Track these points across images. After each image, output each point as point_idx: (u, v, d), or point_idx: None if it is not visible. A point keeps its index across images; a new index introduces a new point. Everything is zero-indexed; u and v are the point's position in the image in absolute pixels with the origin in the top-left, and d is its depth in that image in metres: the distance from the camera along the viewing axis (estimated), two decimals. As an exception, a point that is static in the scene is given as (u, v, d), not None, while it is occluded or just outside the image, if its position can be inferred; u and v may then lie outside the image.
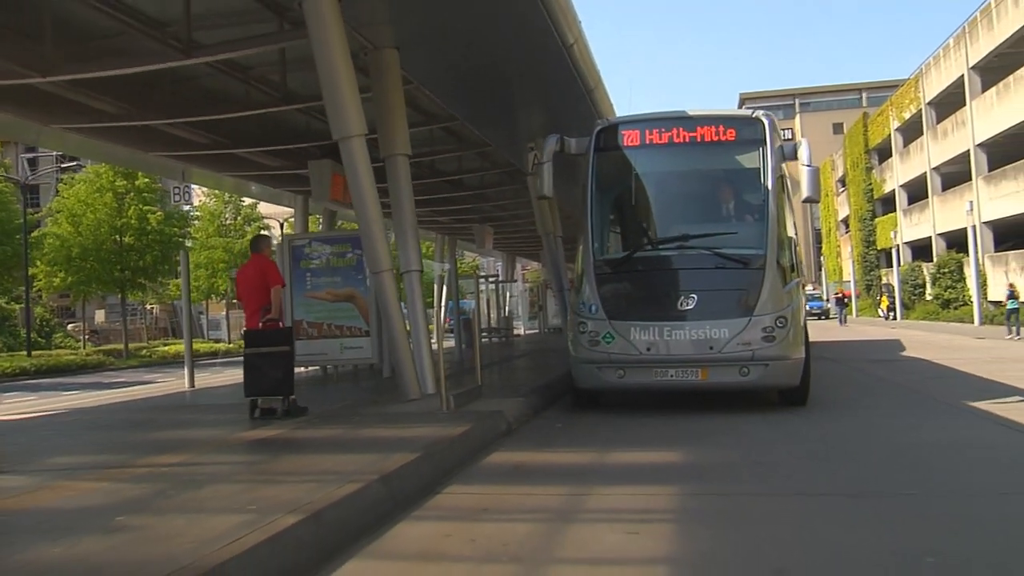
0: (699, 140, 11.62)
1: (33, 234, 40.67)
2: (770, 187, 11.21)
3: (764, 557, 4.97)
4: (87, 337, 53.51)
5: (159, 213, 40.23)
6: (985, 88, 43.11)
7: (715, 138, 11.61)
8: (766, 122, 11.52)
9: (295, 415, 10.33)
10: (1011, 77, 39.51)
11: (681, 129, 11.67)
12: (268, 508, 5.26)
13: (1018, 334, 29.80)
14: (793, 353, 10.78)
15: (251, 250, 11.23)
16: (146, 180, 39.53)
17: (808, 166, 11.27)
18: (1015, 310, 30.41)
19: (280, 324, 10.61)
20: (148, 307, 64.91)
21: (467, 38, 13.83)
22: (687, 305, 10.68)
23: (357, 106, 11.11)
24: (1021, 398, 12.14)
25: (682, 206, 12.24)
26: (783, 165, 11.69)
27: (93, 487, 6.38)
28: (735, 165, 11.96)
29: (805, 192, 11.31)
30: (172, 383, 21.70)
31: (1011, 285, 32.89)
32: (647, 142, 11.70)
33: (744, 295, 10.72)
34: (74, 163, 38.30)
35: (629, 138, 11.75)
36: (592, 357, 10.99)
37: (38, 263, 40.24)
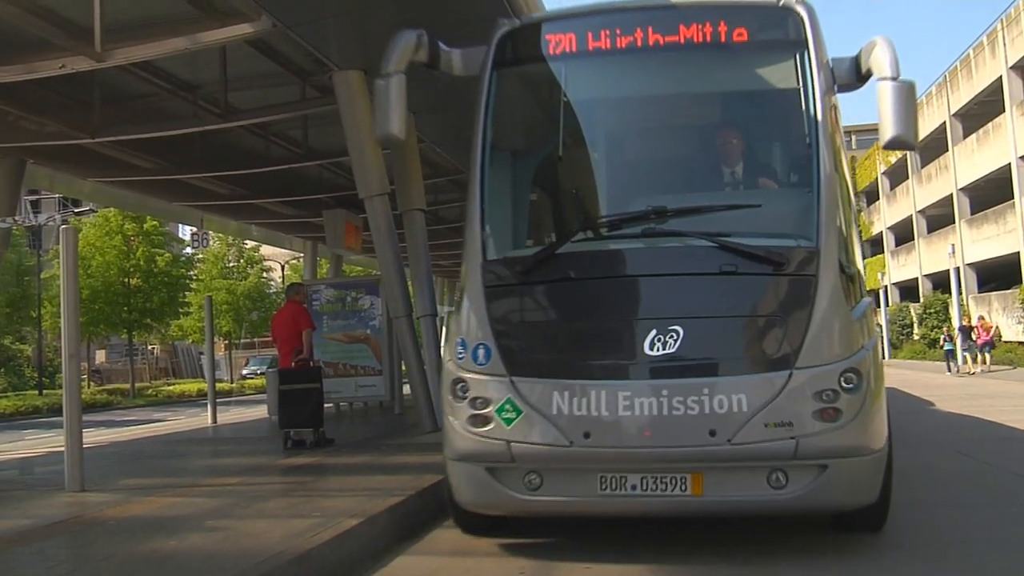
0: (687, 44, 6.34)
1: (43, 274, 41.84)
2: (819, 126, 5.98)
3: None
4: (88, 377, 54.45)
5: (167, 255, 41.47)
6: (966, 134, 44.76)
7: (717, 40, 6.30)
8: (804, 14, 6.24)
9: (324, 445, 11.47)
10: (990, 124, 41.14)
11: (654, 27, 6.39)
12: (331, 514, 6.40)
13: (958, 371, 34.09)
14: (871, 440, 5.66)
15: (286, 296, 12.52)
16: (154, 223, 40.76)
17: (894, 80, 5.82)
18: (951, 351, 35.15)
19: (311, 364, 11.81)
20: (149, 347, 65.88)
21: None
22: (665, 346, 5.53)
23: (380, 168, 12.35)
24: None
25: (656, 161, 7.02)
26: (835, 94, 6.46)
27: (173, 501, 7.53)
28: (753, 87, 6.78)
29: (890, 128, 5.79)
30: (188, 420, 22.78)
31: (948, 328, 37.96)
32: (591, 50, 6.46)
33: (778, 326, 5.66)
34: (87, 208, 39.48)
35: (558, 44, 6.52)
36: (477, 449, 5.84)
37: (46, 304, 41.32)
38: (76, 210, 40.09)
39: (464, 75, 6.73)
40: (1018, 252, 38.52)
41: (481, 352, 5.89)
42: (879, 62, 5.97)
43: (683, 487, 5.56)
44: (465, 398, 5.90)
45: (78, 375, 8.19)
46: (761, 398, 5.42)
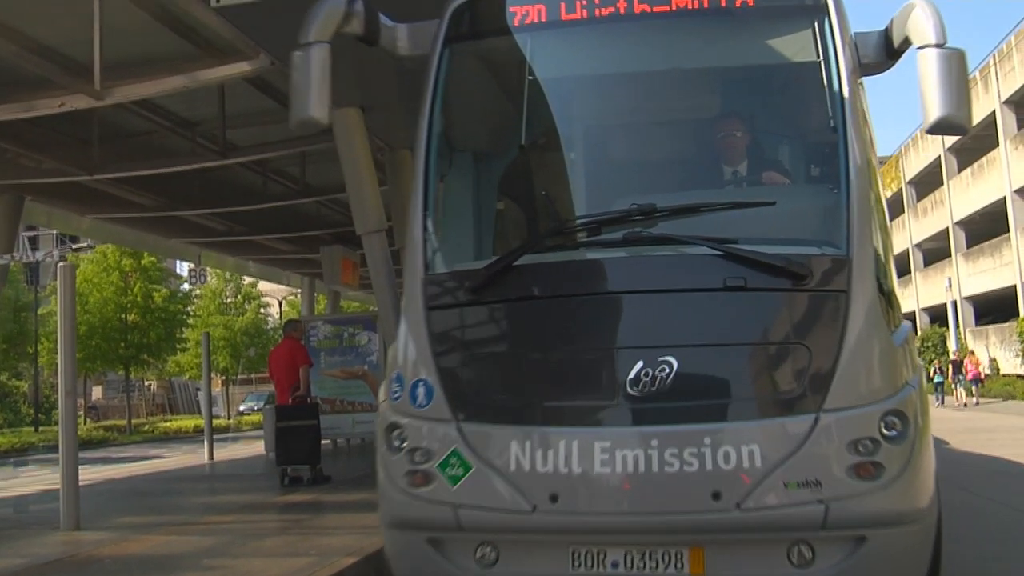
0: (681, 12, 5.20)
1: (40, 310, 41.81)
2: (846, 107, 4.89)
3: None
4: (85, 413, 54.26)
5: (164, 291, 41.46)
6: (961, 168, 45.04)
7: (716, 5, 5.24)
8: None
9: (321, 483, 11.42)
10: (984, 159, 41.40)
11: None
12: (327, 552, 6.38)
13: (942, 403, 34.93)
14: (919, 502, 4.55)
15: (283, 332, 12.51)
16: (152, 259, 40.79)
17: (939, 47, 4.64)
18: (941, 383, 36.52)
19: (308, 400, 11.78)
20: (146, 383, 65.71)
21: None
22: (655, 382, 4.40)
23: (378, 205, 12.36)
24: None
25: (643, 151, 5.85)
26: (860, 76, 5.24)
27: (169, 539, 7.50)
28: (764, 61, 5.55)
29: (937, 107, 4.57)
30: (184, 457, 22.69)
31: (939, 361, 39.03)
32: (565, 19, 5.28)
33: (799, 357, 4.54)
34: (85, 244, 39.55)
35: (526, 15, 5.30)
36: (416, 515, 4.73)
37: (43, 340, 41.27)
38: (74, 246, 40.20)
39: (411, 55, 5.52)
40: (1015, 285, 38.64)
41: (421, 391, 4.70)
42: (919, 27, 4.73)
43: (679, 565, 4.35)
44: (401, 449, 4.68)
45: (75, 412, 8.17)
46: (779, 450, 4.25)
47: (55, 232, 46.98)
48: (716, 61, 5.60)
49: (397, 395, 4.80)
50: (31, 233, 59.33)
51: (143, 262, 40.75)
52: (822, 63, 4.97)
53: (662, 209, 4.72)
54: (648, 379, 4.33)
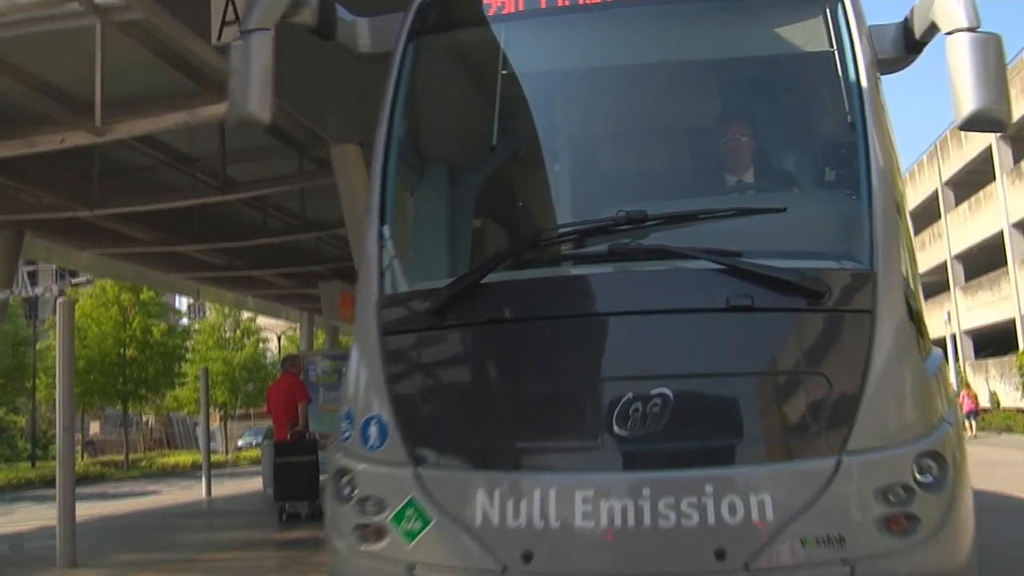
0: None
1: (38, 345, 41.76)
2: (865, 101, 4.28)
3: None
4: (82, 448, 54.02)
5: (163, 326, 41.45)
6: (958, 202, 45.21)
7: None
8: None
9: (319, 519, 11.34)
10: (981, 192, 41.57)
11: None
12: (326, 591, 6.33)
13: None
14: (960, 559, 3.79)
15: (282, 368, 12.50)
16: (151, 294, 40.79)
17: (972, 31, 3.98)
18: None
19: (306, 436, 11.75)
20: (144, 418, 65.49)
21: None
22: (646, 420, 3.65)
23: (377, 239, 12.41)
24: None
25: (633, 153, 5.21)
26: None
27: (168, 578, 7.45)
28: (772, 51, 4.91)
29: (972, 99, 3.90)
30: (182, 493, 22.58)
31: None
32: (547, 7, 4.75)
33: (817, 388, 3.79)
34: (84, 279, 39.57)
35: (501, 5, 4.74)
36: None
37: (41, 375, 41.20)
38: (73, 281, 40.20)
39: (373, 52, 4.92)
40: (1013, 319, 38.66)
41: (373, 430, 3.99)
42: (948, 10, 4.09)
43: None
44: (350, 498, 3.98)
45: (72, 448, 8.16)
46: (795, 499, 3.53)
47: (54, 266, 47.07)
48: (718, 53, 4.91)
49: (347, 435, 4.11)
50: (30, 267, 59.53)
51: (142, 297, 40.76)
52: (836, 53, 4.37)
53: (654, 217, 4.05)
54: (638, 415, 3.61)
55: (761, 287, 3.76)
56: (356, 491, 3.96)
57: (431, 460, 3.87)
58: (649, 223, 4.03)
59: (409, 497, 3.81)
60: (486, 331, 4.07)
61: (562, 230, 4.34)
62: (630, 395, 3.61)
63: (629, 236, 4.01)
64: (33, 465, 37.65)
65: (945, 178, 46.24)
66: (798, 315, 3.86)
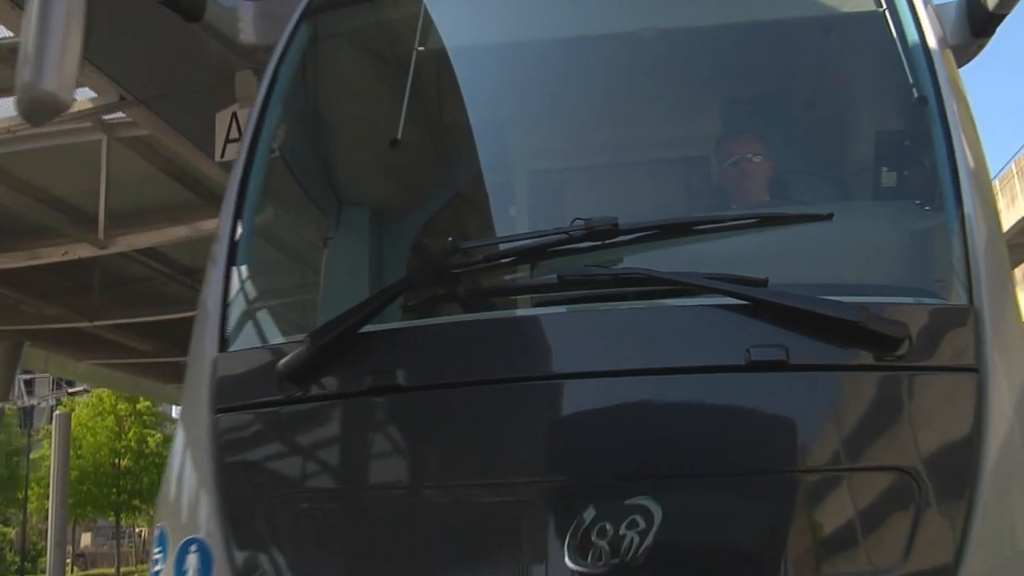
0: None
1: (32, 454, 41.37)
2: (943, 86, 2.86)
3: None
4: (72, 561, 53.00)
5: (158, 436, 41.12)
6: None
7: None
8: None
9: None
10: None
11: None
12: None
13: None
14: None
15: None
16: (147, 403, 40.56)
17: None
18: None
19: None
20: (137, 530, 64.38)
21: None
22: (618, 547, 2.17)
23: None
24: None
25: (598, 144, 3.71)
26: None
27: None
28: (808, 12, 3.50)
29: None
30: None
31: None
32: None
33: (897, 497, 2.23)
34: (81, 389, 39.45)
35: None
36: None
37: (33, 485, 40.71)
38: (70, 390, 40.06)
39: (257, 45, 3.65)
40: None
41: (192, 560, 2.60)
42: None
43: None
44: None
45: (63, 564, 8.02)
46: None
47: (51, 376, 46.90)
48: (734, 13, 3.54)
49: (158, 567, 2.71)
50: (27, 375, 59.34)
51: (138, 406, 40.56)
52: (896, 26, 3.11)
53: (631, 229, 2.72)
54: (607, 542, 2.23)
55: (800, 333, 2.42)
56: None
57: None
58: (624, 237, 2.70)
59: None
60: (367, 406, 2.66)
61: (484, 250, 2.93)
62: (592, 510, 2.27)
63: (589, 259, 2.70)
64: (22, 579, 36.99)
65: None
66: (861, 376, 2.48)
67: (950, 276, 2.65)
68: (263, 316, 3.14)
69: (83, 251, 10.79)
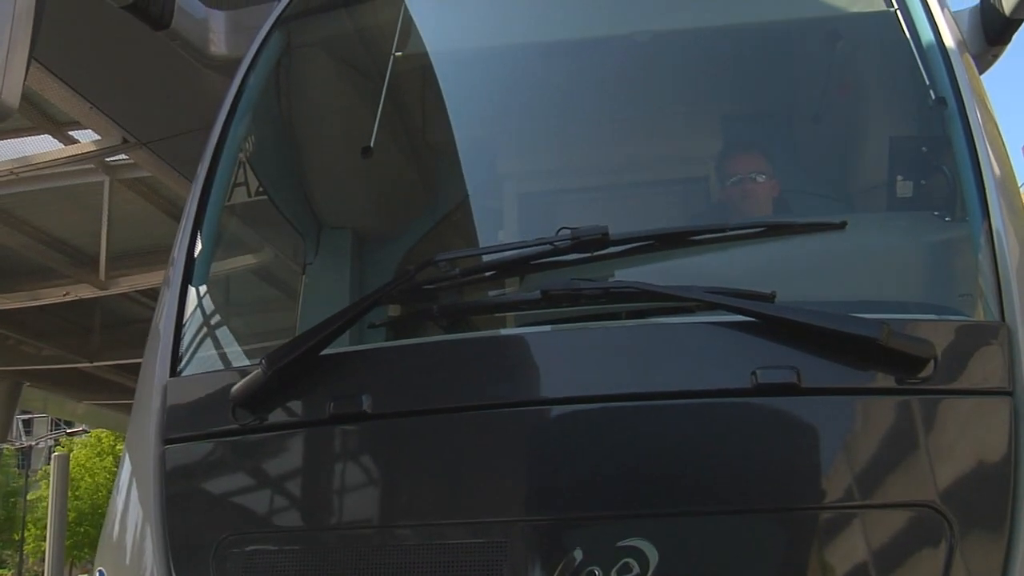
0: None
1: (29, 495, 41.12)
2: (963, 87, 2.71)
3: None
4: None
5: (157, 476, 40.99)
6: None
7: None
8: None
9: None
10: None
11: None
12: None
13: None
14: None
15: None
16: (146, 443, 40.41)
17: None
18: None
19: None
20: (134, 571, 64.01)
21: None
22: None
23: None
24: None
25: (609, 144, 3.40)
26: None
27: None
28: (822, 12, 3.37)
29: None
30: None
31: None
32: None
33: (926, 535, 2.02)
34: (80, 429, 39.34)
35: None
36: None
37: (30, 526, 40.42)
38: (68, 431, 39.98)
39: (227, 57, 3.57)
40: None
41: None
42: None
43: None
44: None
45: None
46: None
47: (49, 416, 46.74)
48: (743, 13, 3.40)
49: None
50: (25, 415, 59.14)
51: (137, 446, 40.39)
52: (913, 26, 2.96)
53: (624, 239, 2.56)
54: None
55: (812, 353, 2.22)
56: None
57: None
58: (615, 248, 2.53)
59: None
60: (329, 436, 2.46)
61: (461, 262, 2.72)
62: (579, 553, 2.08)
63: (576, 272, 2.53)
64: (17, 624, 36.65)
65: None
66: (881, 400, 2.25)
67: (978, 291, 2.43)
68: (218, 339, 2.97)
69: (84, 292, 10.79)
